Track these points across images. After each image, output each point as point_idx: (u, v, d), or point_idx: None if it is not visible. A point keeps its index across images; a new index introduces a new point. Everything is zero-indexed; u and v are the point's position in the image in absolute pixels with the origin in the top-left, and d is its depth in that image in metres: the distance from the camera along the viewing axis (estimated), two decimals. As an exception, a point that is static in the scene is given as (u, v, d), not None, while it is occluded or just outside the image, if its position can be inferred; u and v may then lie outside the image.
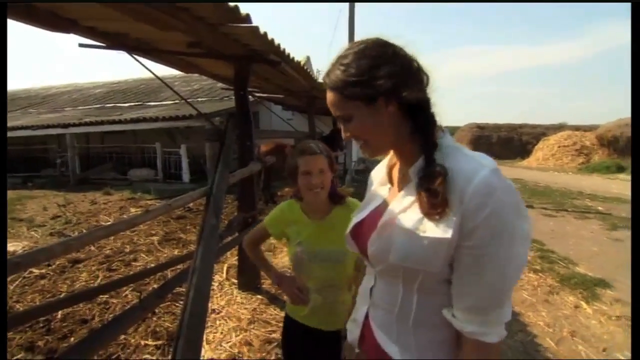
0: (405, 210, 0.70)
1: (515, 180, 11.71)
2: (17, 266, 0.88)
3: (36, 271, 3.46)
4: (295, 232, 1.25)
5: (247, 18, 1.98)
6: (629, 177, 13.00)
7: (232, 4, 1.76)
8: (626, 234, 5.24)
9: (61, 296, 2.93)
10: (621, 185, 11.03)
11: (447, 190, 0.63)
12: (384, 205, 0.78)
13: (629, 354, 2.32)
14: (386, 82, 0.66)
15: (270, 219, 1.32)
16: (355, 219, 0.83)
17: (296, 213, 1.27)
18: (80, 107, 12.48)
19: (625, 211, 6.90)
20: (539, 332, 2.59)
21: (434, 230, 0.64)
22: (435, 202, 0.63)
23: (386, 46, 0.69)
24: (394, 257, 0.69)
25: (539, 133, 23.44)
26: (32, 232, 4.92)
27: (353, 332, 0.88)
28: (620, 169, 14.71)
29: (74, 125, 9.12)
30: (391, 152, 0.82)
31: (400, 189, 0.75)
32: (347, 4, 10.08)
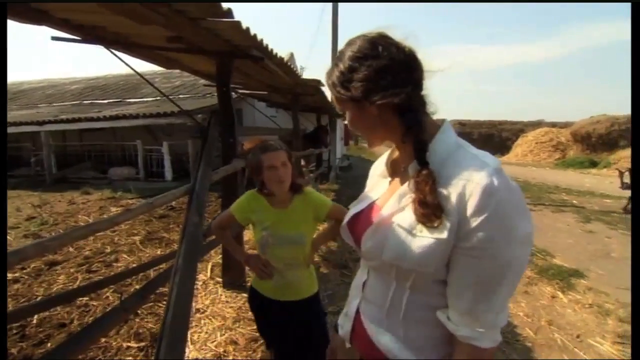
0: (403, 208, 0.69)
1: (495, 175, 12.07)
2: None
3: (9, 275, 3.32)
4: (261, 219, 1.40)
5: (228, 12, 1.94)
6: (600, 172, 13.59)
7: (213, -3, 1.72)
8: (598, 226, 5.49)
9: (37, 300, 2.82)
10: (593, 179, 11.53)
11: (441, 194, 0.62)
12: (383, 199, 0.78)
13: (600, 340, 2.44)
14: (358, 88, 0.67)
15: (236, 206, 1.47)
16: (353, 210, 0.83)
17: (260, 202, 1.42)
18: (55, 104, 11.99)
19: (598, 204, 7.22)
20: (519, 322, 2.69)
21: (429, 230, 0.63)
22: (425, 213, 0.62)
23: (372, 45, 0.68)
24: (387, 255, 0.68)
25: (518, 129, 24.16)
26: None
27: (344, 326, 0.88)
28: (592, 164, 15.37)
29: (50, 122, 8.76)
30: (393, 145, 0.81)
31: (399, 185, 0.74)
32: (330, 3, 10.05)
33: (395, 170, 0.80)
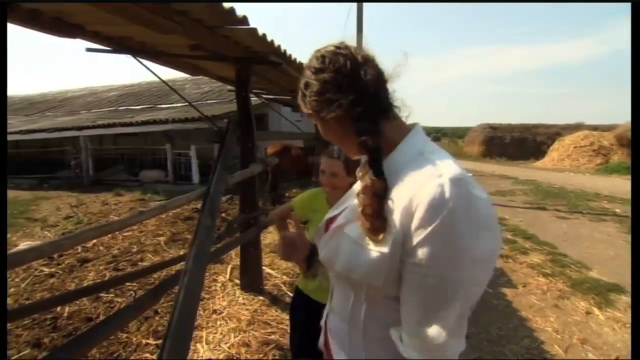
0: (354, 219, 0.66)
1: (528, 181, 11.49)
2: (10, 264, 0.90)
3: (46, 269, 3.56)
4: (316, 217, 1.43)
5: (244, 20, 1.98)
6: (649, 179, 12.54)
7: (227, 5, 1.76)
8: (644, 238, 5.05)
9: (65, 292, 2.99)
10: (640, 186, 10.63)
11: (388, 206, 0.59)
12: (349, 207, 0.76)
13: (641, 363, 2.23)
14: (310, 103, 0.69)
15: (298, 201, 1.56)
16: (328, 214, 0.81)
17: (321, 202, 1.48)
18: (94, 110, 12.80)
19: (644, 214, 6.65)
20: (547, 338, 2.51)
21: (374, 243, 0.60)
22: (368, 226, 0.60)
23: (321, 59, 0.68)
24: (338, 265, 0.66)
25: (553, 133, 22.87)
26: (45, 232, 5.06)
27: (321, 338, 0.86)
28: None
29: (88, 127, 9.36)
30: None
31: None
32: (355, 4, 10.05)
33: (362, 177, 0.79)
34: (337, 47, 0.69)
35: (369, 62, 0.67)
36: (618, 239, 5.00)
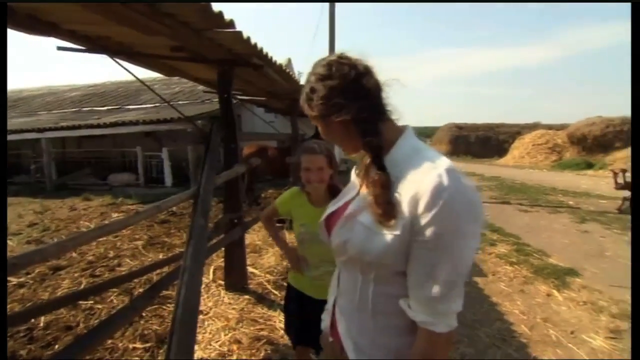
0: (365, 208, 0.76)
1: (493, 177, 12.18)
2: (14, 267, 0.91)
3: (14, 280, 3.37)
4: (300, 215, 1.53)
5: (231, 23, 2.03)
6: (596, 173, 13.72)
7: (216, 9, 1.80)
8: (593, 226, 5.58)
9: (43, 301, 2.87)
10: (590, 181, 11.64)
11: (395, 196, 0.69)
12: (353, 199, 0.85)
13: (594, 335, 2.51)
14: (317, 107, 0.78)
15: (280, 200, 1.63)
16: (329, 209, 0.91)
17: (302, 199, 1.55)
18: (55, 111, 12.05)
19: (593, 205, 7.32)
20: (515, 319, 2.75)
21: (386, 228, 0.70)
22: (380, 213, 0.70)
23: (328, 67, 0.77)
24: (352, 250, 0.76)
25: (515, 132, 24.33)
26: (8, 241, 4.75)
27: (325, 320, 0.96)
28: (589, 166, 15.50)
29: (50, 129, 8.82)
30: None
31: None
32: (327, 4, 10.18)
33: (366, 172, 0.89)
34: (340, 57, 0.79)
35: (369, 71, 0.78)
36: (572, 229, 5.49)
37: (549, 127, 22.69)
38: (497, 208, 7.14)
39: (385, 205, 0.70)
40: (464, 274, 0.69)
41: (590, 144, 16.82)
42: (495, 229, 5.38)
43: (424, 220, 0.65)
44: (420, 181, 0.67)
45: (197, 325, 1.33)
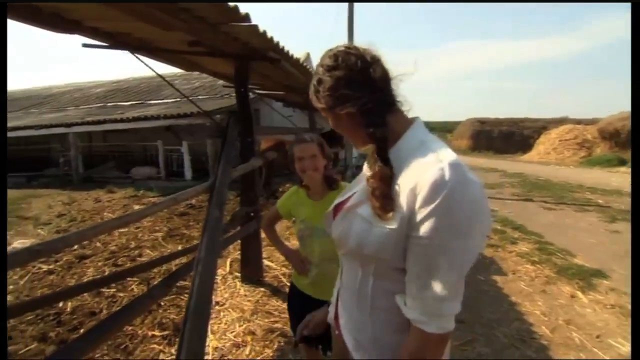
0: (365, 200, 0.74)
1: (515, 174, 11.80)
2: (38, 253, 0.95)
3: (44, 267, 3.55)
4: (299, 211, 1.52)
5: (246, 17, 2.03)
6: (629, 170, 13.02)
7: (231, 3, 1.81)
8: (624, 226, 5.30)
9: (69, 286, 3.01)
10: (621, 178, 11.05)
11: (395, 189, 0.67)
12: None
13: (622, 340, 2.39)
14: (324, 99, 0.76)
15: (280, 202, 1.63)
16: (337, 200, 0.89)
17: (301, 196, 1.55)
18: (82, 107, 12.54)
19: (625, 204, 6.95)
20: (535, 320, 2.66)
21: (384, 221, 0.68)
22: (378, 206, 0.68)
23: (334, 58, 0.75)
24: (351, 243, 0.75)
25: (540, 127, 23.42)
26: (39, 230, 5.01)
27: (330, 312, 0.96)
28: (621, 162, 14.72)
29: (77, 124, 9.20)
30: None
31: None
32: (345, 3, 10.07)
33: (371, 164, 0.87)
34: (348, 48, 0.77)
35: (376, 61, 0.75)
36: (600, 228, 5.24)
37: (578, 121, 21.69)
38: (519, 205, 6.91)
39: (383, 198, 0.68)
40: (462, 275, 0.65)
41: (624, 140, 15.95)
42: (516, 227, 5.21)
43: (420, 215, 0.63)
44: (421, 174, 0.64)
45: (210, 315, 1.36)
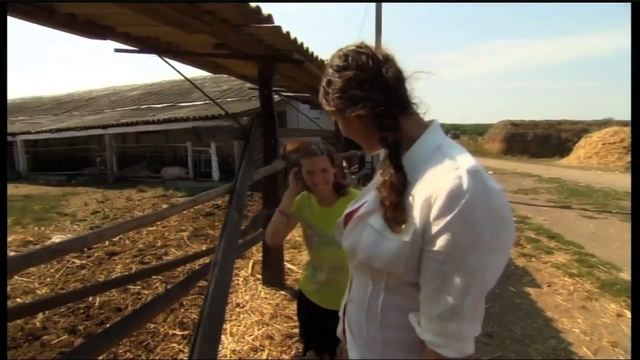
0: (376, 210, 0.68)
1: (552, 179, 11.13)
2: (58, 253, 0.96)
3: (77, 262, 3.72)
4: (308, 216, 1.49)
5: (269, 18, 2.01)
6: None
7: (253, 4, 1.79)
8: (678, 239, 4.82)
9: (96, 282, 3.13)
10: (674, 185, 10.11)
11: (407, 198, 0.62)
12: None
13: (677, 368, 2.14)
14: (333, 101, 0.70)
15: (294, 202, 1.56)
16: (349, 208, 0.83)
17: (311, 200, 1.51)
18: (118, 109, 13.24)
19: (678, 214, 6.34)
20: (574, 339, 2.45)
21: (396, 233, 0.62)
22: (389, 216, 0.63)
23: (344, 58, 0.70)
24: (361, 255, 0.69)
25: (580, 130, 22.03)
26: (75, 226, 5.29)
27: (339, 327, 0.90)
28: (673, 168, 13.51)
29: (112, 125, 9.69)
30: None
31: None
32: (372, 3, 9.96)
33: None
34: (359, 47, 0.71)
35: (389, 60, 0.69)
36: (650, 240, 4.79)
37: (625, 123, 20.17)
38: (555, 212, 6.48)
39: (394, 209, 0.62)
40: (483, 294, 0.59)
41: (676, 144, 14.64)
42: (552, 236, 4.87)
43: (436, 228, 0.57)
44: (437, 182, 0.58)
45: (224, 318, 1.33)
